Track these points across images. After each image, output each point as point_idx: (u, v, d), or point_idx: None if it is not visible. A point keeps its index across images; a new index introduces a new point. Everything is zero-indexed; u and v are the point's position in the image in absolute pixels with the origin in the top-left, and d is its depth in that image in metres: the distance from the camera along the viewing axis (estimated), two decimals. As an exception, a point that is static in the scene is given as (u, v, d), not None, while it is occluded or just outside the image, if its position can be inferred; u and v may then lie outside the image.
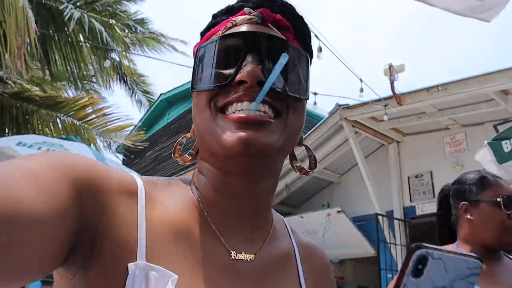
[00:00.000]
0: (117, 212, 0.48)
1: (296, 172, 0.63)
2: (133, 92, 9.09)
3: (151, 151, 10.62)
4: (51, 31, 6.31)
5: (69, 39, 6.36)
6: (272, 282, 0.57)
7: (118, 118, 6.46)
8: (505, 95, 5.14)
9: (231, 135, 0.50)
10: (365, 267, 7.98)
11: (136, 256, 0.46)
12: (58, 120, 6.23)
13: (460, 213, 1.34)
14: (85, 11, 6.40)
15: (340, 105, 6.15)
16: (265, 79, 0.51)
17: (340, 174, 7.91)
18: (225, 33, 0.56)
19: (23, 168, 0.41)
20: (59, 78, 7.03)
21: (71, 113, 6.21)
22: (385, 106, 5.56)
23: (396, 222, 6.41)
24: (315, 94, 5.87)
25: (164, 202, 0.54)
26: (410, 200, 6.63)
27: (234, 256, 0.54)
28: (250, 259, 0.56)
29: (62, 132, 6.06)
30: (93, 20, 6.26)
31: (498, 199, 1.25)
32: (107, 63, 6.43)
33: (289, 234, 0.67)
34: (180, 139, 0.66)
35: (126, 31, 7.28)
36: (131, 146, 6.61)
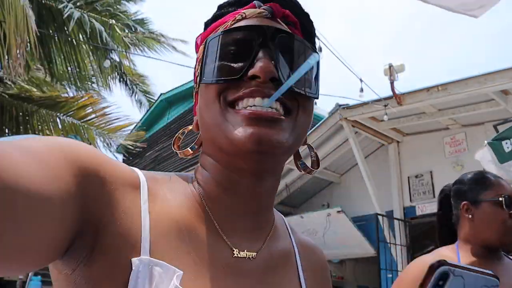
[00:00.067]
0: (121, 204, 0.47)
1: (300, 171, 0.62)
2: (133, 92, 9.10)
3: (151, 151, 10.62)
4: (51, 31, 6.31)
5: (69, 39, 6.36)
6: (273, 280, 0.57)
7: (118, 118, 6.47)
8: (505, 95, 5.14)
9: (242, 131, 0.49)
10: (365, 267, 7.99)
11: (140, 251, 0.45)
12: (58, 120, 6.23)
13: (461, 213, 1.34)
14: (85, 11, 6.40)
15: (340, 105, 6.15)
16: (278, 76, 0.51)
17: (340, 174, 7.91)
18: (236, 26, 0.55)
19: (29, 148, 0.40)
20: (59, 78, 7.03)
21: (70, 112, 6.22)
22: (385, 106, 5.56)
23: (396, 222, 6.41)
24: (315, 94, 5.86)
25: (166, 197, 0.53)
26: (410, 200, 6.63)
27: (237, 254, 0.54)
28: (252, 257, 0.55)
29: (61, 132, 6.06)
30: (93, 20, 6.26)
31: (500, 199, 1.25)
32: (107, 63, 6.43)
33: (289, 233, 0.67)
34: (181, 130, 0.65)
35: (126, 31, 7.28)
36: (130, 147, 6.61)
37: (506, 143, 2.96)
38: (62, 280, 0.46)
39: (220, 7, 0.61)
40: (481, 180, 1.33)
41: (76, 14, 6.00)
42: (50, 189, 0.38)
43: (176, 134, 0.63)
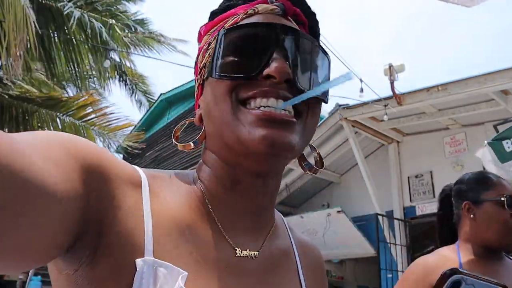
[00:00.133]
0: (124, 202, 0.47)
1: (306, 172, 0.61)
2: (133, 92, 9.10)
3: (151, 151, 10.62)
4: (51, 31, 6.31)
5: (69, 38, 6.36)
6: (274, 279, 0.57)
7: (118, 119, 6.47)
8: (505, 95, 5.14)
9: (255, 132, 0.48)
10: (365, 267, 7.99)
11: (144, 251, 0.45)
12: (58, 120, 6.23)
13: (463, 213, 1.34)
14: (85, 11, 6.40)
15: (340, 105, 6.15)
16: (292, 77, 0.50)
17: (340, 174, 7.92)
18: (252, 21, 0.54)
19: (35, 142, 0.40)
20: (59, 78, 7.03)
21: (70, 112, 6.21)
22: (385, 106, 5.56)
23: (396, 222, 6.41)
24: (315, 94, 5.86)
25: (167, 196, 0.53)
26: (410, 200, 6.63)
27: (239, 253, 0.54)
28: (255, 256, 0.55)
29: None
30: (93, 20, 6.26)
31: (502, 199, 1.25)
32: (107, 64, 6.44)
33: (288, 232, 0.67)
34: (182, 122, 0.63)
35: (126, 31, 7.29)
36: (129, 148, 6.60)
37: (507, 142, 2.97)
38: (63, 280, 0.45)
39: None
40: (483, 180, 1.33)
41: (76, 13, 6.00)
42: (56, 183, 0.38)
43: (177, 126, 0.62)
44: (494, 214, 1.26)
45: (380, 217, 6.10)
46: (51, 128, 6.22)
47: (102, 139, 6.48)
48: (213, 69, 0.53)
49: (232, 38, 0.53)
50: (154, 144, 10.58)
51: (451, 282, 0.40)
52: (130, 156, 10.72)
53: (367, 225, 6.55)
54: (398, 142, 6.98)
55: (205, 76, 0.56)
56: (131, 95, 9.15)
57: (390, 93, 5.57)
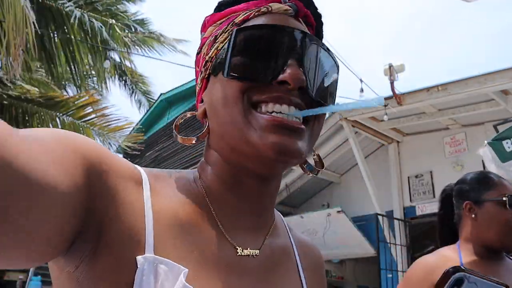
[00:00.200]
0: (125, 198, 0.47)
1: (306, 173, 0.61)
2: (132, 92, 9.11)
3: (151, 151, 10.61)
4: (51, 31, 6.31)
5: (69, 38, 6.36)
6: (275, 277, 0.57)
7: (118, 119, 6.47)
8: (505, 95, 5.14)
9: (266, 139, 0.48)
10: (365, 267, 7.99)
11: (144, 247, 0.45)
12: (58, 120, 6.23)
13: (464, 212, 1.34)
14: (85, 11, 6.40)
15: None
16: (305, 85, 0.50)
17: (340, 174, 7.92)
18: (269, 23, 0.53)
19: (37, 138, 0.39)
20: (59, 78, 7.03)
21: (70, 112, 6.21)
22: (385, 106, 5.56)
23: (396, 222, 6.41)
24: (315, 94, 5.86)
25: (168, 194, 0.53)
26: (410, 200, 6.63)
27: (240, 252, 0.54)
28: (256, 255, 0.55)
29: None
30: (93, 20, 6.26)
31: (504, 199, 1.25)
32: (107, 64, 6.44)
33: (287, 232, 0.67)
34: (184, 113, 0.62)
35: (126, 31, 7.29)
36: (128, 149, 6.60)
37: (507, 142, 2.97)
38: (64, 278, 0.45)
39: None
40: (484, 180, 1.33)
41: (76, 13, 6.00)
42: (56, 178, 0.38)
43: (177, 118, 0.61)
44: (495, 214, 1.26)
45: (380, 217, 6.10)
46: (51, 127, 6.22)
47: (101, 139, 6.48)
48: (225, 67, 0.52)
49: (248, 38, 0.52)
50: (154, 144, 10.58)
51: (454, 279, 0.40)
52: (130, 156, 10.72)
53: (367, 225, 6.55)
54: (398, 142, 6.98)
55: (212, 71, 0.55)
56: (131, 95, 9.16)
57: (390, 93, 5.57)
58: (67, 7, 6.01)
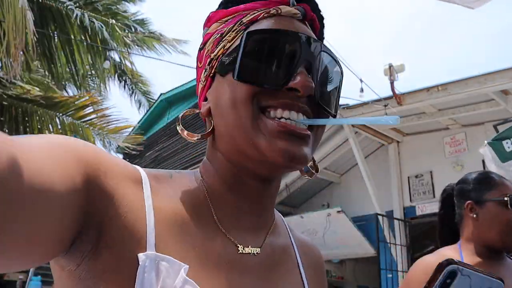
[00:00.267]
0: (125, 198, 0.47)
1: (303, 175, 0.62)
2: (132, 92, 9.11)
3: (151, 151, 10.61)
4: (50, 31, 6.31)
5: (69, 38, 6.36)
6: (276, 275, 0.57)
7: (117, 120, 6.47)
8: (505, 95, 5.14)
9: (276, 144, 0.49)
10: (365, 267, 7.99)
11: (146, 245, 0.45)
12: (58, 120, 6.23)
13: (465, 212, 1.34)
14: (85, 11, 6.40)
15: (340, 105, 6.12)
16: (313, 92, 0.51)
17: (340, 174, 7.92)
18: (282, 28, 0.53)
19: (37, 144, 0.40)
20: (59, 78, 7.03)
21: (70, 112, 6.21)
22: (385, 106, 5.56)
23: (396, 222, 6.41)
24: (315, 94, 5.87)
25: (168, 193, 0.53)
26: (410, 200, 6.63)
27: (242, 250, 0.54)
28: (257, 253, 0.56)
29: (61, 132, 6.05)
30: (94, 20, 6.27)
31: (505, 199, 1.25)
32: (107, 64, 6.44)
33: (288, 231, 0.68)
34: (189, 110, 0.62)
35: (126, 31, 7.28)
36: (127, 150, 6.61)
37: (507, 142, 2.97)
38: (66, 277, 0.45)
39: None
40: (486, 180, 1.33)
41: (77, 13, 6.01)
42: (58, 182, 0.39)
43: (184, 112, 0.60)
44: (496, 214, 1.25)
45: (380, 217, 6.10)
46: (50, 127, 6.22)
47: (101, 140, 6.48)
48: (235, 69, 0.51)
49: (260, 42, 0.52)
50: (154, 144, 10.58)
51: (447, 272, 0.40)
52: (130, 156, 10.72)
53: (367, 225, 6.56)
54: (398, 142, 6.99)
55: (219, 70, 0.55)
56: (130, 95, 9.16)
57: (390, 93, 5.58)
58: (67, 7, 6.01)
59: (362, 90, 5.64)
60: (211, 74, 0.57)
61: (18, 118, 6.05)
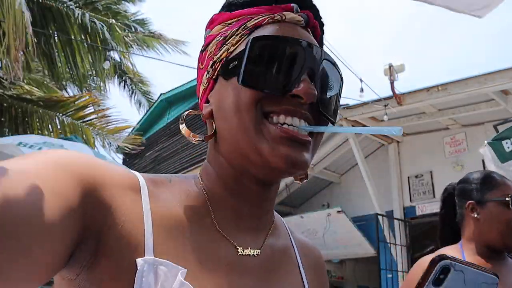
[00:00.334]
0: (122, 207, 0.47)
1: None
2: (132, 93, 9.11)
3: (151, 151, 10.62)
4: (51, 31, 6.31)
5: (69, 38, 6.36)
6: (276, 277, 0.57)
7: (117, 121, 6.47)
8: (505, 95, 5.14)
9: (279, 150, 0.50)
10: (365, 267, 7.99)
11: (144, 250, 0.45)
12: (57, 120, 6.23)
13: (466, 212, 1.34)
14: (85, 11, 6.40)
15: (340, 105, 6.14)
16: (315, 100, 0.52)
17: (340, 174, 7.92)
18: (288, 36, 0.53)
19: (25, 169, 0.40)
20: (59, 78, 7.03)
21: (69, 113, 6.21)
22: (385, 106, 5.56)
23: (396, 222, 6.41)
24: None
25: (167, 197, 0.53)
26: (410, 200, 6.64)
27: (241, 252, 0.54)
28: (257, 254, 0.56)
29: (60, 132, 6.05)
30: (94, 20, 6.27)
31: (507, 199, 1.25)
32: (107, 65, 6.43)
33: (288, 233, 0.68)
34: (191, 111, 0.61)
35: (126, 31, 7.28)
36: (127, 150, 6.61)
37: (507, 142, 2.96)
38: (65, 285, 0.46)
39: None
40: (487, 179, 1.33)
41: (77, 12, 6.01)
42: (52, 211, 0.39)
43: (187, 112, 0.60)
44: (498, 214, 1.25)
45: (380, 217, 6.11)
46: (50, 128, 6.22)
47: (101, 140, 6.48)
48: (240, 74, 0.52)
49: (266, 48, 0.52)
50: (154, 144, 10.58)
51: (440, 267, 0.40)
52: (130, 156, 10.72)
53: (367, 225, 6.56)
54: (398, 142, 6.99)
55: (223, 73, 0.55)
56: (130, 96, 9.16)
57: (390, 93, 5.58)
58: (67, 6, 6.01)
59: (362, 90, 5.64)
60: (213, 77, 0.57)
61: (18, 118, 6.05)
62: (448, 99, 5.25)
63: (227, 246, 0.54)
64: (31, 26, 4.48)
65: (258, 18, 0.55)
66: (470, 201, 1.33)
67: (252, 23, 0.55)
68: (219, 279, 0.50)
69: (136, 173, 0.54)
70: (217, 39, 0.57)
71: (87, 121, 6.36)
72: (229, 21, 0.57)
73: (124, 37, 7.00)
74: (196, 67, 0.63)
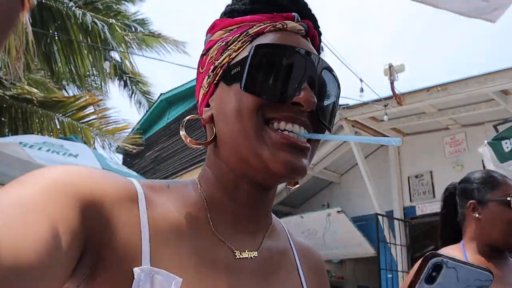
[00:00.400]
0: (120, 220, 0.47)
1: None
2: (132, 93, 9.10)
3: (151, 151, 10.61)
4: (51, 31, 6.31)
5: (69, 38, 6.36)
6: (275, 279, 0.57)
7: (116, 121, 6.47)
8: (505, 95, 5.14)
9: (279, 156, 0.51)
10: (365, 267, 7.99)
11: (141, 259, 0.46)
12: (57, 121, 6.22)
13: (468, 212, 1.34)
14: (86, 11, 6.40)
15: (340, 105, 6.14)
16: (315, 108, 0.53)
17: (340, 174, 7.92)
18: (290, 44, 0.54)
19: (22, 202, 0.38)
20: (59, 79, 7.03)
21: (69, 113, 6.20)
22: (385, 106, 5.56)
23: (396, 222, 6.41)
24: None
25: (164, 203, 0.53)
26: (410, 200, 6.63)
27: (239, 255, 0.54)
28: (254, 256, 0.56)
29: (60, 132, 6.05)
30: (94, 19, 6.27)
31: (508, 199, 1.25)
32: (107, 65, 6.44)
33: (287, 235, 0.68)
34: (192, 116, 0.62)
35: (126, 31, 7.28)
36: (128, 149, 6.60)
37: (506, 142, 2.96)
38: None
39: (255, 1, 0.59)
40: (488, 179, 1.33)
41: (77, 12, 6.01)
42: (58, 239, 0.38)
43: (187, 118, 0.60)
44: (499, 214, 1.25)
45: (380, 217, 6.10)
46: (50, 128, 6.21)
47: (99, 140, 6.48)
48: (242, 80, 0.53)
49: (269, 55, 0.53)
50: (154, 144, 10.58)
51: (432, 265, 0.40)
52: (130, 156, 10.72)
53: (367, 225, 6.56)
54: (398, 142, 6.98)
55: (225, 79, 0.56)
56: (130, 96, 9.16)
57: (390, 93, 5.58)
58: (67, 6, 6.01)
59: (362, 90, 5.64)
60: (214, 81, 0.57)
61: (18, 118, 6.05)
62: (448, 99, 5.25)
63: (224, 250, 0.54)
64: (30, 26, 4.48)
65: (260, 25, 0.56)
66: (472, 201, 1.33)
67: (254, 30, 0.56)
68: (217, 283, 0.50)
69: (133, 180, 0.54)
70: (219, 44, 0.57)
71: (87, 121, 6.36)
72: (231, 27, 0.58)
73: (124, 37, 7.00)
74: (196, 70, 0.63)
